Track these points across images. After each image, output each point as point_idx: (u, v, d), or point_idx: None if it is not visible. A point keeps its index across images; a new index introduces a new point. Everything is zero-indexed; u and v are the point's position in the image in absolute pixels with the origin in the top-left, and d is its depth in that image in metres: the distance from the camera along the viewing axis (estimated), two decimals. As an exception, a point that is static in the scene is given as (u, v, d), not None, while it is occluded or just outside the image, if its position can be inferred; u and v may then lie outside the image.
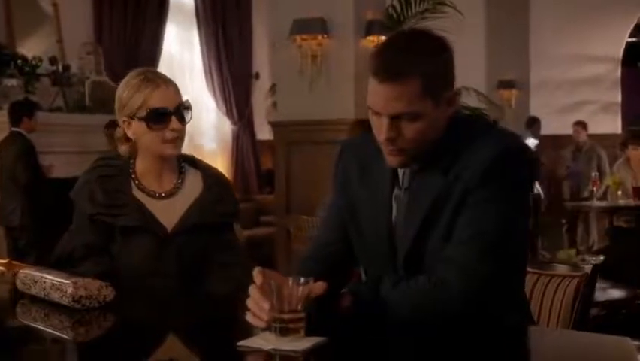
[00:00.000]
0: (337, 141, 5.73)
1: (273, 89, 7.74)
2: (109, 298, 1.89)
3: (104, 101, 7.32)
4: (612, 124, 10.07)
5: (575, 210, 7.70)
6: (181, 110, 2.19)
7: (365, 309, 1.64)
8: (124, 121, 2.20)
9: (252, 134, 10.39)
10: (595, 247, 7.69)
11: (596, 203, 6.33)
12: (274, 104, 7.42)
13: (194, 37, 9.60)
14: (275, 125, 6.44)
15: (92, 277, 1.92)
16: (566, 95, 9.98)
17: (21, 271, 2.05)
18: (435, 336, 1.60)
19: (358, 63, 5.92)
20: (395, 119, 1.63)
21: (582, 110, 9.69)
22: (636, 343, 1.56)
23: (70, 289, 1.85)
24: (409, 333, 1.62)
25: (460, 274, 1.61)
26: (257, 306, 1.56)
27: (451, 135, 1.70)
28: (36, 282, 1.97)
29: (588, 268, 2.21)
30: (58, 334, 1.84)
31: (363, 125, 5.26)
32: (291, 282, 1.51)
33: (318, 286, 1.56)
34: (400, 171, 1.77)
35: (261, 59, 10.37)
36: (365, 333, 1.60)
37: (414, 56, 1.63)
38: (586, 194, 8.11)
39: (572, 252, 4.11)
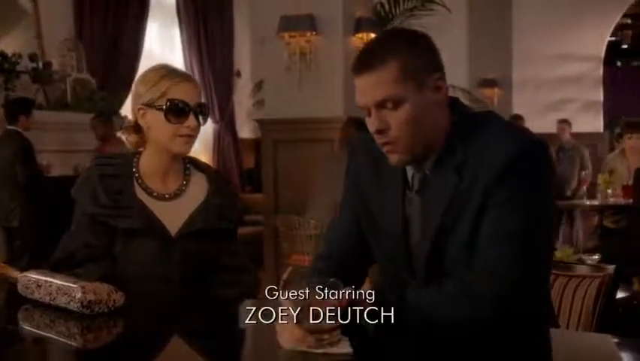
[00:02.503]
0: (326, 139, 5.76)
1: (257, 87, 7.65)
2: (119, 303, 1.81)
3: (85, 99, 7.24)
4: (594, 123, 10.12)
5: (562, 209, 7.68)
6: (200, 109, 2.11)
7: (388, 312, 1.58)
8: (139, 109, 2.12)
9: (234, 132, 10.31)
10: (580, 247, 7.69)
11: (586, 202, 6.32)
12: (259, 103, 7.34)
13: (176, 34, 9.50)
14: (262, 123, 6.36)
15: (99, 281, 1.84)
16: (548, 94, 10.01)
17: (23, 274, 1.96)
18: (461, 338, 1.56)
19: (347, 61, 5.86)
20: (380, 108, 1.62)
21: (564, 109, 9.71)
22: (616, 340, 1.59)
23: (79, 294, 1.76)
24: (436, 336, 1.57)
25: (490, 278, 1.57)
26: (288, 331, 1.48)
27: (458, 131, 1.67)
28: (40, 286, 1.88)
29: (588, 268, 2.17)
30: (65, 341, 1.75)
31: (355, 123, 5.25)
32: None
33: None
34: (409, 173, 1.73)
35: (243, 57, 10.29)
36: (387, 336, 1.55)
37: (387, 45, 1.66)
38: (568, 193, 8.11)
39: (569, 251, 4.07)
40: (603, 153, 9.66)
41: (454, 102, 1.72)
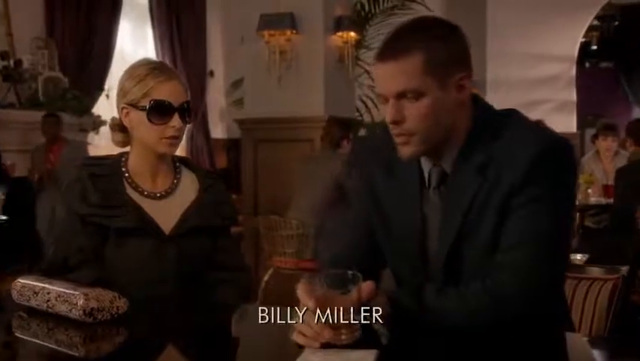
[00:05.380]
0: (306, 138, 5.70)
1: (234, 86, 7.55)
2: (122, 310, 1.72)
3: (58, 98, 7.09)
4: (568, 123, 10.17)
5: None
6: (185, 108, 2.04)
7: (405, 317, 1.55)
8: (122, 108, 2.05)
9: (207, 133, 10.19)
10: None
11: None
12: (236, 102, 7.25)
13: (148, 33, 9.37)
14: (242, 123, 6.28)
15: (95, 285, 1.76)
16: (522, 94, 10.03)
17: (17, 280, 1.86)
18: (481, 340, 1.54)
19: (328, 59, 5.82)
20: (399, 99, 1.58)
21: (538, 109, 9.74)
22: (585, 338, 1.66)
23: (81, 301, 1.67)
24: (454, 339, 1.54)
25: (517, 279, 1.55)
26: (310, 328, 1.43)
27: (480, 129, 1.63)
28: (37, 293, 1.79)
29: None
30: (67, 351, 1.66)
31: (338, 123, 5.20)
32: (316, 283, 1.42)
33: (367, 287, 1.46)
34: (425, 169, 1.69)
35: (216, 57, 10.18)
36: (405, 340, 1.51)
37: (415, 35, 1.60)
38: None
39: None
40: (577, 153, 9.70)
41: (475, 100, 1.68)
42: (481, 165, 1.60)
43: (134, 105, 2.02)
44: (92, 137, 7.44)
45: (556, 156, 1.58)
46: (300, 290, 1.46)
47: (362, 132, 6.56)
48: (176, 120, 2.01)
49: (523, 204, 1.56)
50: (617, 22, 14.45)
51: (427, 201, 1.69)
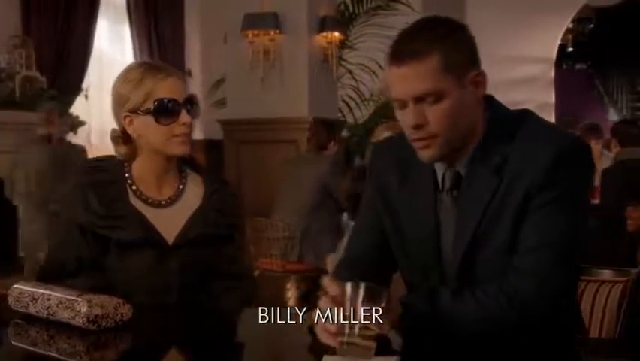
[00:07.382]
0: (290, 139, 5.65)
1: (216, 86, 7.48)
2: (126, 317, 1.66)
3: (35, 97, 6.96)
4: (546, 124, 10.23)
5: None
6: (191, 102, 1.96)
7: (419, 321, 1.52)
8: (125, 117, 1.94)
9: (185, 134, 10.10)
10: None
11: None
12: (218, 102, 7.17)
13: (126, 32, 9.25)
14: (225, 124, 6.21)
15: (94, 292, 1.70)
16: (501, 96, 9.84)
17: (15, 286, 1.79)
18: (495, 342, 1.51)
19: (312, 60, 5.78)
20: (419, 102, 1.54)
21: (517, 111, 9.77)
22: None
23: (84, 308, 1.60)
24: (469, 343, 1.51)
25: (536, 283, 1.52)
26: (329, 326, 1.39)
27: (494, 129, 1.60)
28: (36, 299, 1.72)
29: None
30: (68, 360, 1.59)
31: (325, 124, 5.15)
32: (349, 289, 1.37)
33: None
34: (439, 173, 1.65)
35: (193, 56, 10.09)
36: (418, 346, 1.49)
37: (430, 34, 1.56)
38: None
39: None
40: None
41: (489, 99, 1.64)
42: (496, 165, 1.57)
43: (136, 111, 1.92)
44: (69, 137, 7.32)
45: (577, 156, 1.56)
46: (330, 286, 1.43)
47: (344, 133, 6.53)
48: (184, 117, 1.92)
49: (542, 205, 1.53)
50: (592, 25, 14.59)
51: (441, 204, 1.65)
